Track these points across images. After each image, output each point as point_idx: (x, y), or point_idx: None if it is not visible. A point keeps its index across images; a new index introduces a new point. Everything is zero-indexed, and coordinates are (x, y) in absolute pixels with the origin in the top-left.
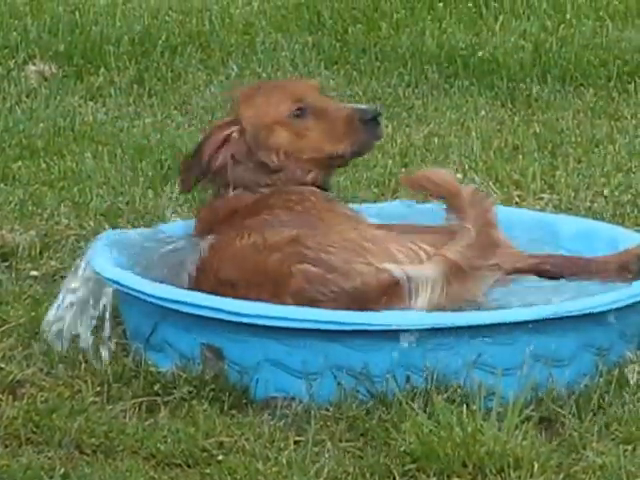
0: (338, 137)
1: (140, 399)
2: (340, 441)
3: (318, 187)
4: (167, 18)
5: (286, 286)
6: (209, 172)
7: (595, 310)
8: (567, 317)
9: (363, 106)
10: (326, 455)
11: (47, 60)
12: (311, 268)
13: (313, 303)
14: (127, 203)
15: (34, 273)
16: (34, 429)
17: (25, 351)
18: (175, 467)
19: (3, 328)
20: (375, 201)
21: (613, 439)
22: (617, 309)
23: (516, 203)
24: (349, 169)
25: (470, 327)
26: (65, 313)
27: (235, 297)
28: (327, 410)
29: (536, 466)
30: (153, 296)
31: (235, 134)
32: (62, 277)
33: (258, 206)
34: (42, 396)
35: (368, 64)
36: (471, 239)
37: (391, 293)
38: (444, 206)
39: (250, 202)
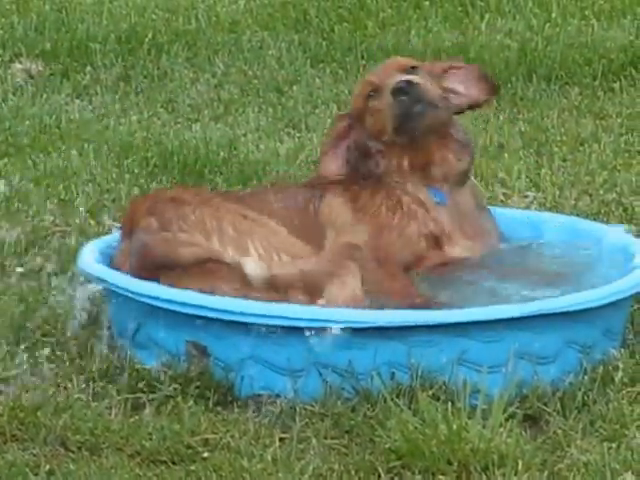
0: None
1: (125, 396)
2: (325, 438)
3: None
4: (153, 16)
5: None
6: None
7: (579, 307)
8: (551, 314)
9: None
10: (311, 452)
11: (33, 58)
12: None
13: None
14: (113, 200)
15: (19, 270)
16: (19, 426)
17: (10, 348)
18: (160, 464)
19: None
20: None
21: (597, 437)
22: (601, 306)
23: (501, 201)
24: None
25: (454, 324)
26: None
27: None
28: (312, 407)
29: (520, 464)
30: (139, 294)
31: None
32: (48, 274)
33: None
34: (27, 393)
35: (354, 62)
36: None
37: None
38: None
39: None
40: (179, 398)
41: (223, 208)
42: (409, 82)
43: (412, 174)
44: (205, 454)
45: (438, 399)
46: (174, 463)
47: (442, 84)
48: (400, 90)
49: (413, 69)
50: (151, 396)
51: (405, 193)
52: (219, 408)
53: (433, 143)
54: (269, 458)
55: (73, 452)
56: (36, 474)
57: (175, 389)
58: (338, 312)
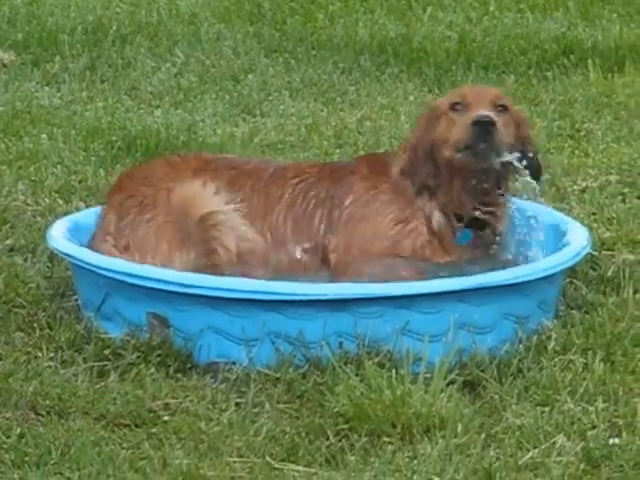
0: None
1: (91, 364)
2: (278, 403)
3: None
4: (118, 9)
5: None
6: None
7: (515, 281)
8: (489, 287)
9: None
10: (265, 416)
11: (6, 49)
12: None
13: None
14: (80, 181)
15: None
16: None
17: None
18: (124, 427)
19: None
20: None
21: (531, 401)
22: (535, 280)
23: None
24: (287, 150)
25: (398, 297)
26: None
27: None
28: (266, 374)
29: (460, 426)
30: (103, 268)
31: None
32: (19, 249)
33: None
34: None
35: (305, 53)
36: None
37: None
38: None
39: None
40: (142, 366)
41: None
42: (492, 122)
43: (444, 206)
44: (166, 417)
45: (383, 367)
46: (137, 426)
47: (520, 132)
48: (480, 123)
49: (503, 108)
50: (115, 364)
51: (422, 217)
52: (179, 375)
53: (473, 187)
54: (225, 421)
55: (42, 416)
56: (8, 437)
57: (138, 357)
58: (290, 285)
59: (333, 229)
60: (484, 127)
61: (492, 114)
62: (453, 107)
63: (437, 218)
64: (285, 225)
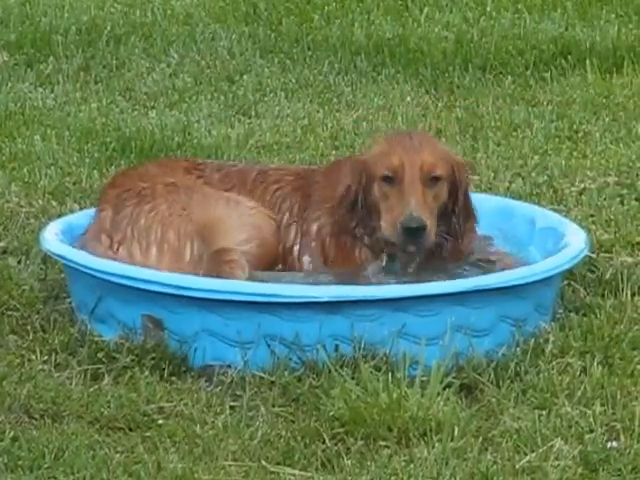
0: None
1: (85, 367)
2: (273, 406)
3: None
4: (112, 9)
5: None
6: None
7: (513, 284)
8: (486, 290)
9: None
10: (260, 419)
11: None
12: None
13: None
14: (74, 183)
15: None
16: None
17: None
18: (118, 430)
19: None
20: None
21: (529, 405)
22: (533, 283)
23: None
24: (283, 151)
25: (395, 299)
26: None
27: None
28: (261, 377)
29: (457, 430)
30: (97, 270)
31: None
32: (12, 252)
33: None
34: None
35: (301, 53)
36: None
37: None
38: None
39: None
40: (136, 369)
41: (178, 208)
42: (422, 227)
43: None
44: (160, 421)
45: (379, 370)
46: (131, 429)
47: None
48: (409, 230)
49: (434, 179)
50: (109, 367)
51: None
52: (173, 378)
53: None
54: (220, 425)
55: (36, 419)
56: (1, 440)
57: (132, 360)
58: (285, 288)
59: (308, 254)
60: (413, 233)
61: (421, 216)
62: (384, 179)
63: (363, 252)
64: None
